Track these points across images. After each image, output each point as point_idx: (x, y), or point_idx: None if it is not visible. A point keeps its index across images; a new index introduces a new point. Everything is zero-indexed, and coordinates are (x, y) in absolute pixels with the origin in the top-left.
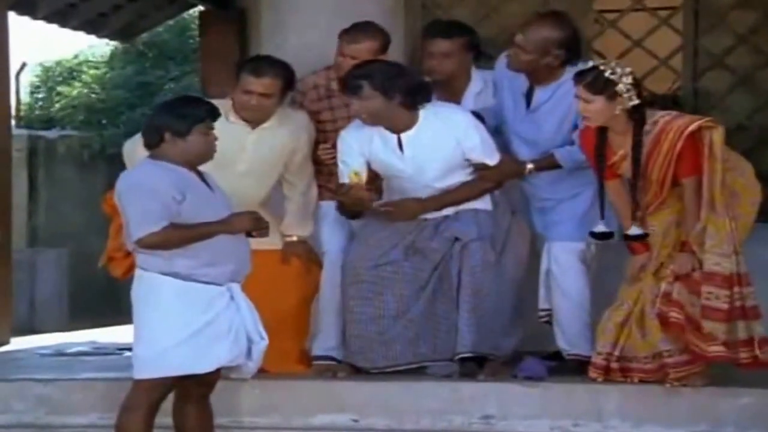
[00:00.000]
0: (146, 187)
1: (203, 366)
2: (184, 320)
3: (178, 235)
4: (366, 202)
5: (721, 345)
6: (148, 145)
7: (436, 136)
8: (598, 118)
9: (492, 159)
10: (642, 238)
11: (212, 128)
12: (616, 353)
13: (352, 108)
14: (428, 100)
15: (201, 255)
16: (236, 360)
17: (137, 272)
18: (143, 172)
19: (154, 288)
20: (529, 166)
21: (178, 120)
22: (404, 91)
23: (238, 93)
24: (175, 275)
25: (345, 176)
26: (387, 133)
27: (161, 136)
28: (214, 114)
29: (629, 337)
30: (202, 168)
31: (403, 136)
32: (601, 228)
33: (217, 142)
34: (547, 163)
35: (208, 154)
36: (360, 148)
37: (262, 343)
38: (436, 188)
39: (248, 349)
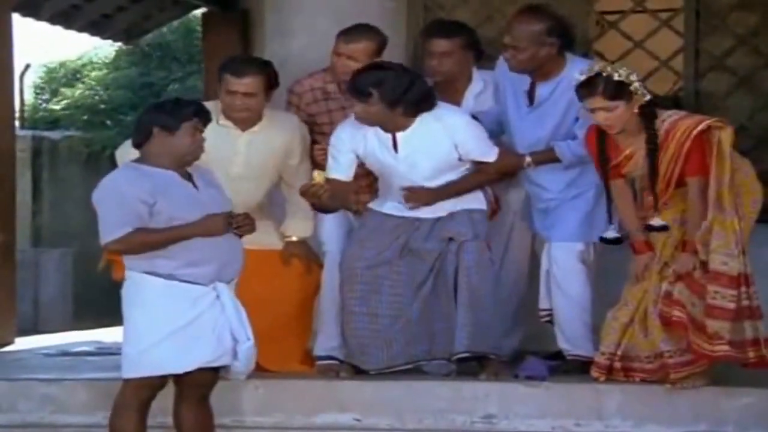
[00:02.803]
0: (113, 193)
1: (185, 365)
2: (166, 319)
3: (144, 240)
4: (324, 201)
5: (726, 344)
6: (137, 144)
7: (431, 136)
8: (621, 123)
9: (491, 156)
10: (664, 229)
11: (201, 130)
12: (619, 353)
13: (354, 109)
14: (431, 108)
15: (180, 256)
16: (220, 360)
17: (125, 272)
18: (113, 178)
19: (139, 287)
20: (527, 159)
21: (168, 116)
22: (409, 102)
23: (222, 95)
24: (157, 275)
25: (335, 172)
26: (382, 131)
27: (150, 133)
28: (203, 115)
29: (632, 336)
30: (204, 168)
31: (398, 135)
32: (611, 234)
33: (207, 145)
34: (546, 157)
35: (194, 153)
36: (353, 145)
37: (248, 344)
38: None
39: (234, 350)
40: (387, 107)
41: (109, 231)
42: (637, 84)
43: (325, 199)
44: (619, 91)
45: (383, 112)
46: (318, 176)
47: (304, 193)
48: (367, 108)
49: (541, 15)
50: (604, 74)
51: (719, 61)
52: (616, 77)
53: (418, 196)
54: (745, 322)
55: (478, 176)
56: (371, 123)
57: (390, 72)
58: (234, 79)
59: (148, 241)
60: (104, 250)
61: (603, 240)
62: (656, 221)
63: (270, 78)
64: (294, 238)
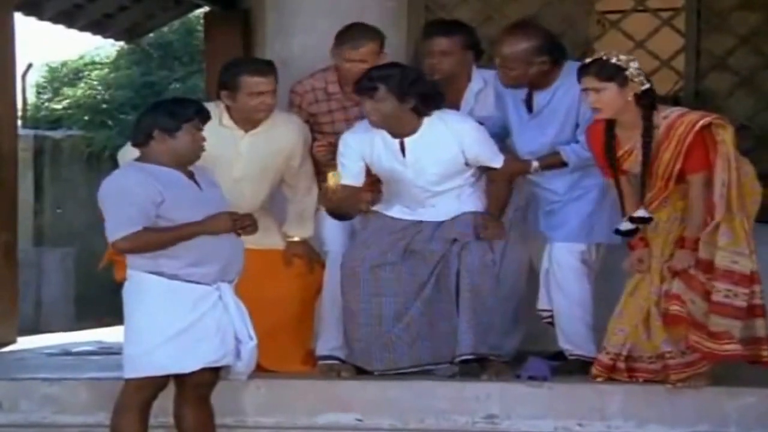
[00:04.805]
0: (122, 191)
1: (188, 365)
2: (169, 319)
3: (151, 239)
4: (335, 203)
5: (737, 343)
6: (137, 144)
7: (438, 141)
8: (611, 107)
9: (497, 161)
10: (647, 221)
11: (201, 129)
12: (624, 353)
13: (364, 108)
14: (439, 107)
15: (184, 255)
16: (223, 360)
17: (127, 272)
18: (121, 177)
19: (141, 287)
20: (534, 164)
21: (168, 118)
22: (418, 96)
23: (244, 97)
24: (161, 275)
25: (342, 177)
26: (389, 137)
27: (150, 134)
28: (202, 115)
29: (636, 337)
30: (202, 165)
31: (406, 140)
32: (626, 225)
33: (209, 146)
34: (552, 161)
35: (195, 153)
36: (360, 151)
37: (250, 344)
38: (433, 191)
39: (237, 350)
40: (397, 100)
41: (117, 229)
42: (633, 71)
43: (335, 201)
44: (612, 73)
45: (393, 106)
46: (331, 178)
47: (327, 200)
48: (376, 104)
49: (528, 34)
50: (604, 57)
51: (720, 61)
52: (613, 60)
53: (494, 231)
54: (757, 320)
55: (499, 186)
56: (381, 122)
57: (395, 68)
58: (261, 79)
59: (156, 239)
60: (110, 248)
61: (617, 232)
62: (641, 212)
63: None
64: (296, 239)
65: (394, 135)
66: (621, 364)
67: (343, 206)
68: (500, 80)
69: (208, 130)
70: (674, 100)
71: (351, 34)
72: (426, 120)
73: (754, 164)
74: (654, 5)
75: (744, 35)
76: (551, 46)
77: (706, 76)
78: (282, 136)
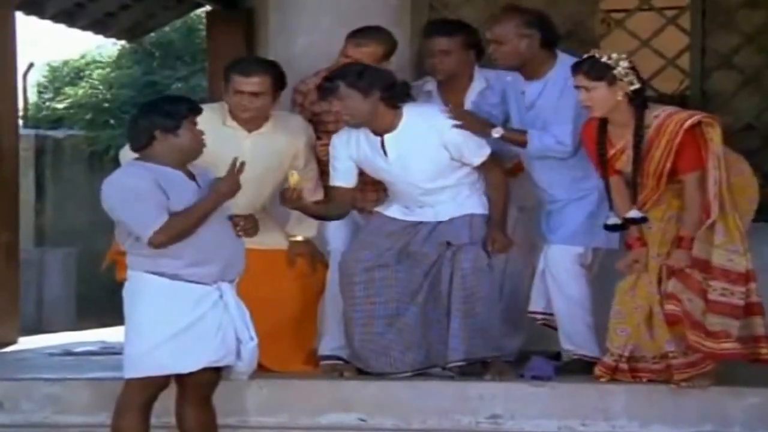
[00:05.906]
0: (129, 190)
1: (188, 365)
2: (169, 319)
3: (183, 223)
4: (339, 204)
5: (735, 342)
6: (136, 148)
7: (419, 136)
8: (602, 106)
9: (483, 154)
10: (641, 221)
11: (196, 123)
12: (626, 354)
13: (335, 109)
14: (408, 97)
15: (185, 255)
16: (224, 360)
17: (128, 272)
18: (123, 176)
19: (141, 287)
20: (498, 129)
21: (166, 117)
22: (381, 86)
23: (230, 95)
24: (161, 275)
25: (336, 180)
26: (371, 135)
27: (151, 135)
28: (195, 110)
29: (638, 337)
30: (202, 164)
31: (386, 137)
32: (613, 220)
33: (212, 146)
34: (516, 137)
35: (198, 148)
36: (348, 152)
37: (251, 344)
38: (426, 189)
39: (238, 350)
40: (360, 95)
41: (147, 226)
42: (623, 70)
43: (295, 201)
44: (602, 72)
45: (360, 101)
46: (292, 177)
47: (283, 200)
48: (342, 102)
49: (520, 10)
50: (595, 56)
51: (726, 60)
52: (603, 59)
53: (501, 245)
54: (756, 319)
55: (493, 178)
56: (356, 119)
57: (351, 65)
58: (242, 79)
59: (185, 222)
60: (112, 248)
61: (606, 227)
62: (633, 213)
63: (277, 79)
64: (299, 238)
65: (376, 132)
66: (624, 365)
67: (337, 210)
68: (494, 60)
69: (212, 130)
70: (681, 99)
71: (361, 32)
72: (406, 116)
73: (761, 163)
74: (659, 4)
75: (749, 33)
76: (541, 23)
77: (711, 75)
78: (285, 136)
